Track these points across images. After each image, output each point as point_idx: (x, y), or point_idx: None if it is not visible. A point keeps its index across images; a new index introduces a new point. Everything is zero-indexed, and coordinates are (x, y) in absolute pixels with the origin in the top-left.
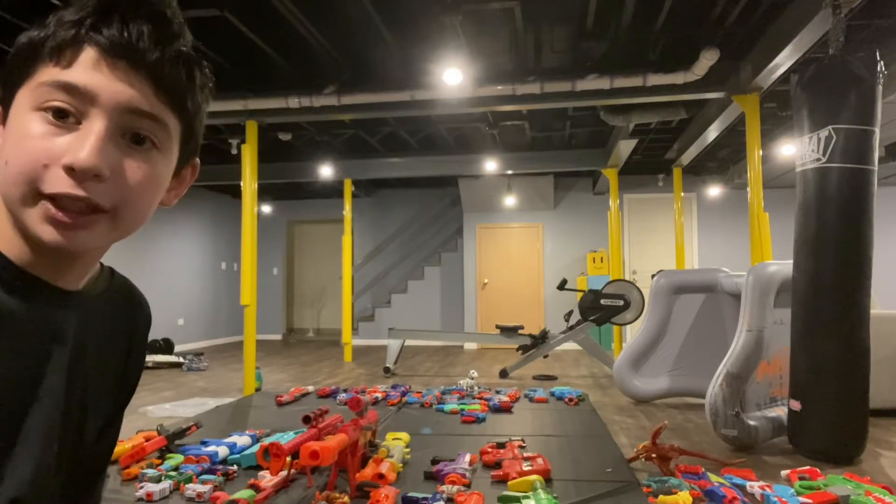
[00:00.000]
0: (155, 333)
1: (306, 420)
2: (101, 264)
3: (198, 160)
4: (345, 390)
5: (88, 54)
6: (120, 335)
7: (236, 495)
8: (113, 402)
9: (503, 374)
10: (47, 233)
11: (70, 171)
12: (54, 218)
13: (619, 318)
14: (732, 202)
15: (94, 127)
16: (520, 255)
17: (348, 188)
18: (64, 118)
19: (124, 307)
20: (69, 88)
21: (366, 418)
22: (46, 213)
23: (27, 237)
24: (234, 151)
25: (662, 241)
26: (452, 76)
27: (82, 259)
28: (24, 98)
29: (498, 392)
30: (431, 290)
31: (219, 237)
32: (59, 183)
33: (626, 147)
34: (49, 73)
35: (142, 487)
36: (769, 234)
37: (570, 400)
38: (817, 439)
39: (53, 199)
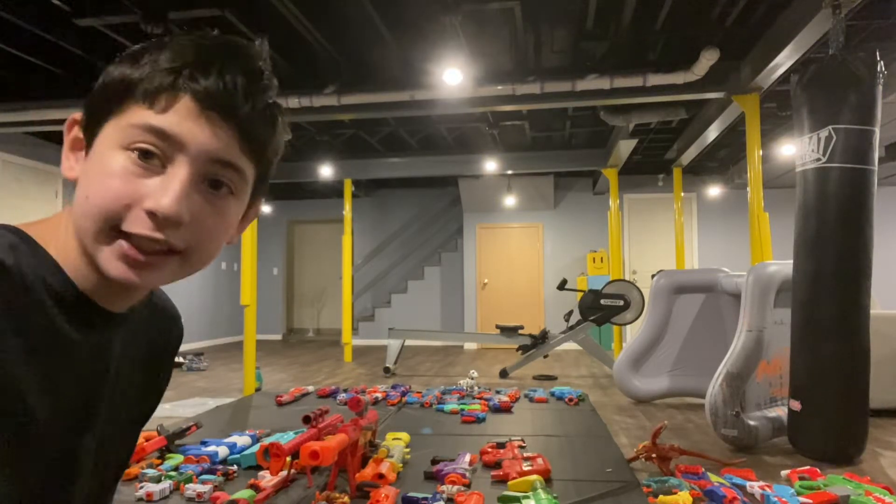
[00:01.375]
0: None
1: (306, 420)
2: None
3: (263, 199)
4: (345, 390)
5: (184, 103)
6: (156, 350)
7: (236, 495)
8: (140, 411)
9: (503, 374)
10: (119, 270)
11: (152, 215)
12: (128, 256)
13: (619, 318)
14: (732, 202)
15: (179, 174)
16: (520, 255)
17: (348, 188)
18: (149, 160)
19: (161, 322)
20: (161, 134)
21: (366, 418)
22: (121, 251)
23: (94, 267)
24: None
25: (662, 241)
26: (452, 76)
27: (142, 290)
28: (111, 134)
29: (498, 392)
30: (431, 290)
31: None
32: (139, 224)
33: (626, 147)
34: (141, 115)
35: (142, 487)
36: (769, 234)
37: (570, 400)
38: (817, 439)
39: (129, 237)
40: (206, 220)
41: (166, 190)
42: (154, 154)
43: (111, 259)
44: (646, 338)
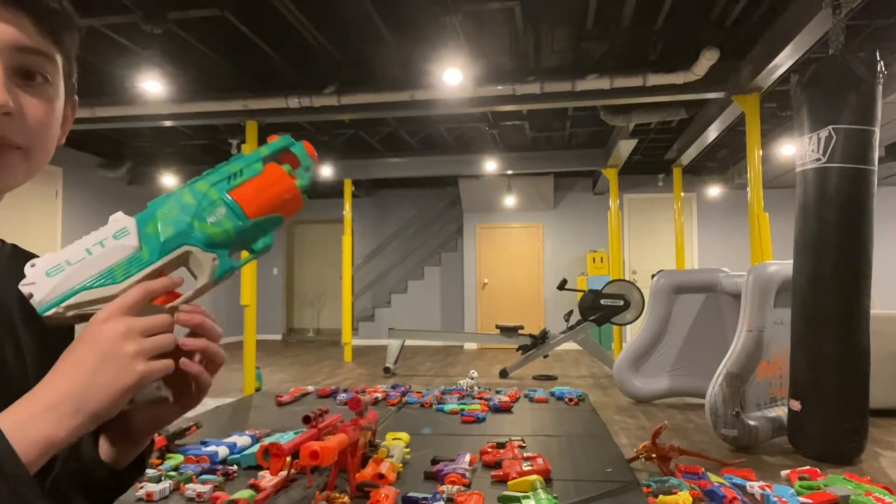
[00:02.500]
0: None
1: (306, 420)
2: None
3: (76, 98)
4: (345, 390)
5: None
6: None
7: (236, 495)
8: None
9: (503, 374)
10: None
11: None
12: None
13: (619, 318)
14: (732, 202)
15: None
16: (520, 255)
17: (348, 188)
18: None
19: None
20: None
21: (366, 418)
22: None
23: None
24: (233, 151)
25: (662, 241)
26: (452, 76)
27: None
28: None
29: (498, 392)
30: (431, 290)
31: None
32: None
33: (626, 147)
34: None
35: (141, 487)
36: (769, 234)
37: (570, 400)
38: (817, 439)
39: None
40: (32, 113)
41: None
42: None
43: None
44: (646, 338)
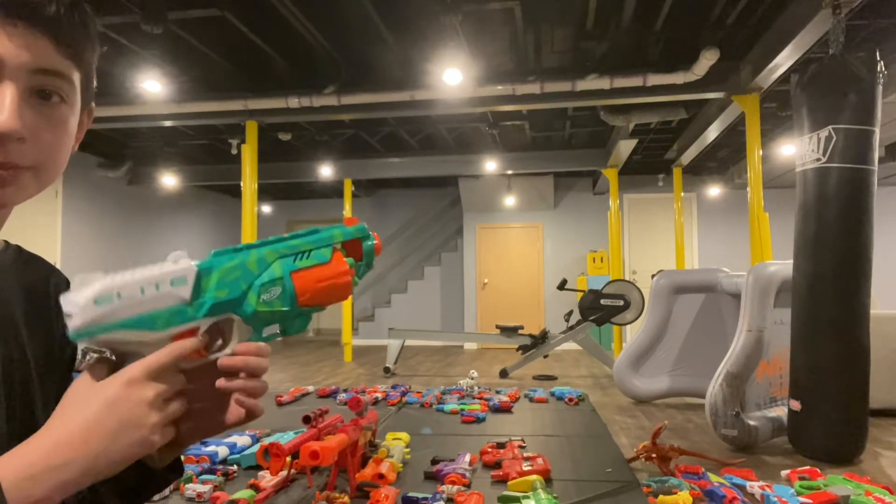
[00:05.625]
0: None
1: (306, 420)
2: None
3: (93, 104)
4: (345, 390)
5: None
6: (43, 297)
7: (236, 495)
8: (56, 364)
9: (503, 374)
10: None
11: None
12: None
13: (619, 318)
14: (732, 202)
15: (7, 92)
16: (520, 255)
17: (348, 188)
18: None
19: (36, 270)
20: None
21: (366, 418)
22: None
23: None
24: (234, 151)
25: (662, 241)
26: (452, 76)
27: (2, 212)
28: None
29: (498, 392)
30: (431, 290)
31: (219, 237)
32: None
33: (626, 147)
34: None
35: None
36: (769, 234)
37: (570, 400)
38: (817, 439)
39: None
40: (46, 134)
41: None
42: None
43: None
44: (646, 338)
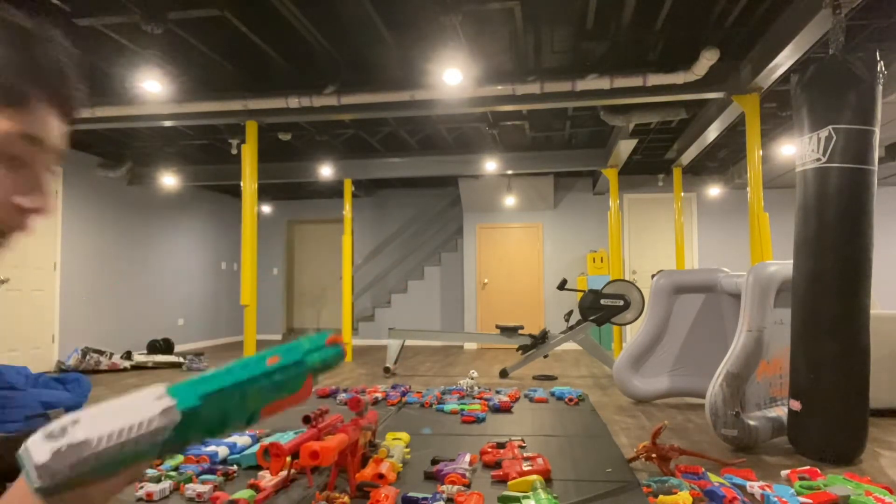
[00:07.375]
0: (155, 333)
1: (306, 420)
2: None
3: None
4: (345, 390)
5: (39, 105)
6: None
7: (236, 495)
8: None
9: (503, 374)
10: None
11: (27, 210)
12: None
13: (619, 318)
14: (732, 202)
15: (42, 172)
16: (520, 255)
17: (348, 188)
18: (12, 161)
19: None
20: (28, 139)
21: (366, 418)
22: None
23: None
24: (234, 151)
25: (662, 241)
26: (452, 76)
27: None
28: None
29: (498, 392)
30: (431, 290)
31: (219, 237)
32: (13, 217)
33: (626, 147)
34: (3, 122)
35: (142, 487)
36: (769, 234)
37: (570, 400)
38: (817, 439)
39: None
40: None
41: (40, 191)
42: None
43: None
44: (646, 338)
